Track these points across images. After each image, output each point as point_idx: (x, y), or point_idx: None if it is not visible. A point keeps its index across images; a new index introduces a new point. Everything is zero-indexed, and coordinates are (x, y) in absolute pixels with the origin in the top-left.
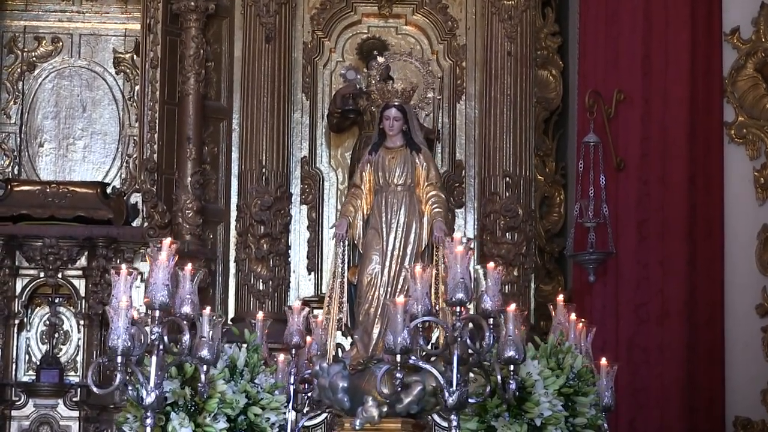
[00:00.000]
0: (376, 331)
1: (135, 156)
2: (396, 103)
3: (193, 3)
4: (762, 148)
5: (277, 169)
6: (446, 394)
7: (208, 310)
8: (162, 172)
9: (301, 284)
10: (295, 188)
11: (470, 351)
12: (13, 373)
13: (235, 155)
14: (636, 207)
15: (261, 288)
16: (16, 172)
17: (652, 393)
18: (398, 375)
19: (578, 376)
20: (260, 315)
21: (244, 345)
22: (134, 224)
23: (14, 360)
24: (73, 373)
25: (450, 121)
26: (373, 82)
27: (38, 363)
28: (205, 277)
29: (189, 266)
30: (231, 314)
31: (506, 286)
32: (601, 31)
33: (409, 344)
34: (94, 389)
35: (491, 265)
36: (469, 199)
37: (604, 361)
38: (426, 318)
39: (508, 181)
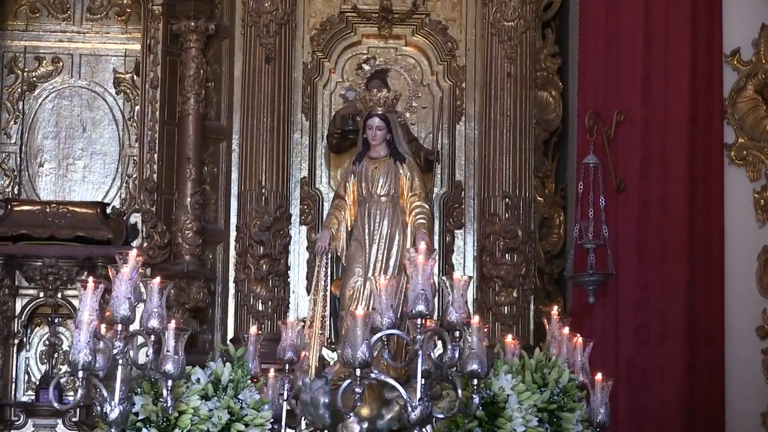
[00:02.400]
0: None
1: (135, 176)
2: (379, 112)
3: (193, 23)
4: (762, 169)
5: (277, 189)
6: (408, 409)
7: (173, 323)
8: (162, 193)
9: (301, 305)
10: (295, 209)
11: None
12: (13, 392)
13: (234, 175)
14: (636, 228)
15: (260, 308)
16: (16, 191)
17: (652, 414)
18: (357, 390)
19: (564, 392)
20: (253, 329)
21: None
22: (134, 244)
23: (14, 380)
24: (72, 393)
25: (450, 142)
26: (358, 90)
27: (37, 383)
28: (204, 297)
29: (157, 279)
30: (230, 335)
31: (505, 308)
32: (601, 53)
33: (368, 358)
34: (55, 404)
35: (457, 276)
36: (469, 220)
37: (599, 376)
38: (389, 331)
39: (508, 202)
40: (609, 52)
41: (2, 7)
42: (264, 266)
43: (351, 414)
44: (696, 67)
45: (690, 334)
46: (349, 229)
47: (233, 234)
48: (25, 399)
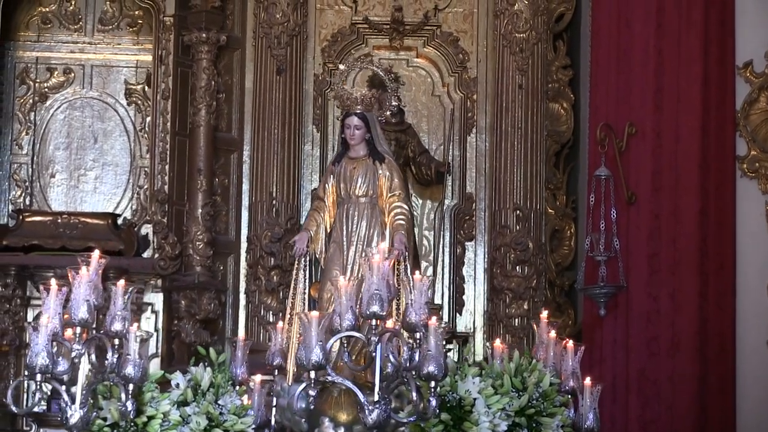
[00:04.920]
0: (335, 348)
1: (146, 187)
2: (357, 111)
3: (204, 35)
4: None
5: (288, 200)
6: (365, 412)
7: (135, 326)
8: (173, 204)
9: None
10: (305, 220)
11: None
12: (25, 402)
13: (245, 187)
14: (647, 240)
15: (271, 320)
16: (27, 202)
17: (663, 426)
18: (311, 393)
19: (543, 396)
20: (241, 335)
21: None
22: (145, 255)
23: (25, 389)
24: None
25: (461, 154)
26: (335, 89)
27: (49, 393)
28: (215, 308)
29: (121, 282)
30: None
31: (516, 320)
32: (613, 64)
33: (321, 360)
34: (13, 409)
35: (417, 276)
36: (480, 232)
37: (588, 381)
38: (347, 333)
39: (519, 214)
40: (621, 64)
41: (14, 18)
42: (275, 277)
43: (326, 419)
44: (708, 79)
45: (701, 346)
46: (329, 230)
47: (244, 245)
48: (36, 409)
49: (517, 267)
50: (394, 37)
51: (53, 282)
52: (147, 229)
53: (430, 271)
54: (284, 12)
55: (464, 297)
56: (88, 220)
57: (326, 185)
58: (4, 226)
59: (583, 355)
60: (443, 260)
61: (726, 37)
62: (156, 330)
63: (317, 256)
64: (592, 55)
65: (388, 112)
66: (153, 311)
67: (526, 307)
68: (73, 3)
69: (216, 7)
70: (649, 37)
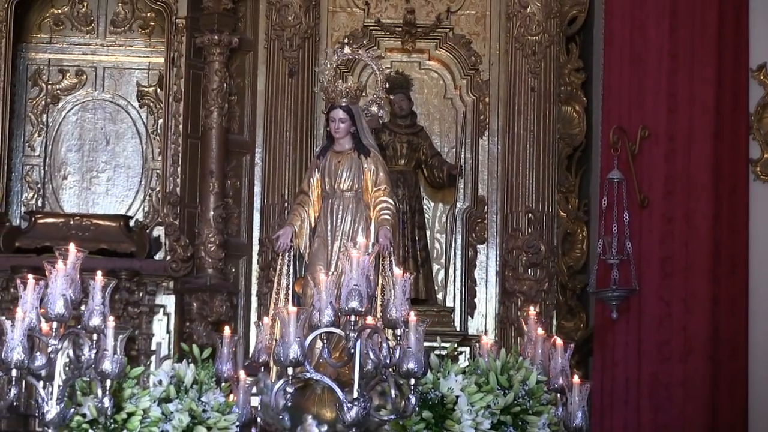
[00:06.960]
0: (318, 345)
1: (158, 189)
2: (342, 104)
3: (216, 37)
4: None
5: None
6: (344, 409)
7: (112, 320)
8: (185, 206)
9: None
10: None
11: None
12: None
13: (257, 189)
14: (660, 244)
15: None
16: (39, 204)
17: (675, 430)
18: (288, 390)
19: (530, 394)
20: (227, 331)
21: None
22: (157, 257)
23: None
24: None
25: (473, 157)
26: (324, 80)
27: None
28: (227, 310)
29: (99, 275)
30: (252, 348)
31: None
32: (626, 67)
33: (300, 356)
34: None
35: (398, 272)
36: (492, 235)
37: (576, 379)
38: (327, 329)
39: (531, 217)
40: (633, 67)
41: (26, 20)
42: None
43: (309, 416)
44: (721, 83)
45: (713, 350)
46: (313, 225)
47: (256, 247)
48: None
49: (529, 270)
50: (406, 39)
51: (30, 277)
52: (159, 231)
53: (442, 274)
54: (296, 14)
55: (476, 300)
56: (100, 222)
57: (311, 179)
58: (16, 228)
59: (595, 359)
60: (455, 263)
61: (739, 39)
62: (168, 332)
63: (301, 251)
64: (605, 57)
65: (374, 106)
66: (165, 313)
67: (537, 310)
68: (85, 5)
69: (228, 9)
70: (662, 39)
